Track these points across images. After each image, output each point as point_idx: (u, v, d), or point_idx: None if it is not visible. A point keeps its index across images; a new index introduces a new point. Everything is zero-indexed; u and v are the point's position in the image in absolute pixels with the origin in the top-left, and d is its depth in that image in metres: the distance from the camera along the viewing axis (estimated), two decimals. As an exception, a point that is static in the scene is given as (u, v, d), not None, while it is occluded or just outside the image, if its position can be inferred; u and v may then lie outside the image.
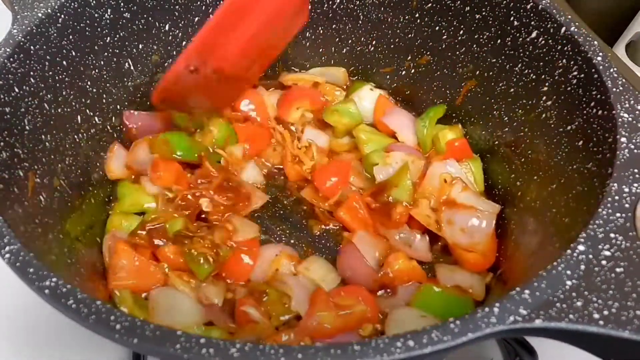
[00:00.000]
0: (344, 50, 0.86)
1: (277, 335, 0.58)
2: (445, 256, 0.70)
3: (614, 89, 0.52)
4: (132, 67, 0.73)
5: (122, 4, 0.67)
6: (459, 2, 0.71)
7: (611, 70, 0.53)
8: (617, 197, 0.45)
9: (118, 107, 0.73)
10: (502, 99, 0.71)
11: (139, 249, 0.65)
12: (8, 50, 0.55)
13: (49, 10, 0.59)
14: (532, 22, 0.62)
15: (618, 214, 0.44)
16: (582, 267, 0.41)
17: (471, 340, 0.37)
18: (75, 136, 0.65)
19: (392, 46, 0.82)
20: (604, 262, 0.41)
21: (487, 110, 0.74)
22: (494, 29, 0.68)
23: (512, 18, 0.65)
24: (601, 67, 0.54)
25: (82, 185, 0.67)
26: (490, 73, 0.71)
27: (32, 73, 0.57)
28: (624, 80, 0.53)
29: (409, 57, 0.82)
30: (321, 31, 0.83)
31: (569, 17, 0.59)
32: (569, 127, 0.58)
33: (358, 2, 0.79)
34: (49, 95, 0.60)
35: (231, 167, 0.75)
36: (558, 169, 0.58)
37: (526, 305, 0.39)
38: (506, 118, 0.71)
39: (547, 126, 0.62)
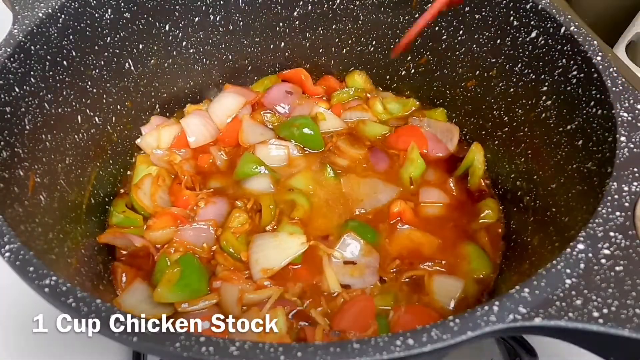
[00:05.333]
0: (344, 50, 0.86)
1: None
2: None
3: (614, 89, 0.52)
4: (132, 67, 0.73)
5: (122, 4, 0.67)
6: (459, 2, 0.71)
7: (611, 69, 0.53)
8: (616, 196, 0.45)
9: (118, 107, 0.73)
10: (502, 99, 0.71)
11: None
12: (8, 50, 0.55)
13: (50, 10, 0.59)
14: (532, 22, 0.62)
15: (618, 213, 0.44)
16: (582, 265, 0.41)
17: (471, 338, 0.37)
18: (75, 136, 0.65)
19: (392, 46, 0.82)
20: (603, 261, 0.41)
21: (487, 110, 0.74)
22: (494, 29, 0.68)
23: (511, 18, 0.65)
24: (601, 66, 0.54)
25: (82, 184, 0.67)
26: (490, 73, 0.71)
27: (32, 73, 0.57)
28: (623, 79, 0.53)
29: (409, 57, 0.82)
30: (321, 31, 0.84)
31: (569, 16, 0.59)
32: (568, 127, 0.58)
33: (358, 2, 0.79)
34: (49, 95, 0.60)
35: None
36: (558, 169, 0.58)
37: (526, 303, 0.39)
38: (506, 118, 0.71)
39: (547, 126, 0.62)
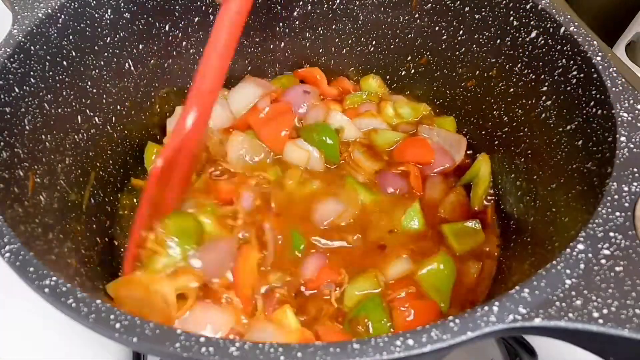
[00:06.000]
0: (344, 50, 0.86)
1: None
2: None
3: (614, 89, 0.52)
4: (132, 67, 0.73)
5: (122, 4, 0.67)
6: (458, 2, 0.71)
7: (610, 70, 0.53)
8: (616, 196, 0.45)
9: (118, 107, 0.73)
10: (502, 99, 0.71)
11: None
12: (8, 50, 0.55)
13: (49, 11, 0.59)
14: (532, 22, 0.62)
15: (617, 213, 0.44)
16: (582, 266, 0.41)
17: (471, 339, 0.37)
18: (75, 136, 0.65)
19: (392, 46, 0.83)
20: (603, 261, 0.41)
21: (487, 110, 0.74)
22: (494, 29, 0.68)
23: (511, 18, 0.65)
24: (600, 66, 0.54)
25: (82, 185, 0.67)
26: (490, 73, 0.71)
27: (32, 73, 0.57)
28: (623, 79, 0.53)
29: (409, 57, 0.82)
30: (321, 31, 0.84)
31: (568, 17, 0.59)
32: (568, 127, 0.58)
33: (358, 2, 0.79)
34: (49, 96, 0.60)
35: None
36: (558, 169, 0.58)
37: (525, 304, 0.39)
38: (506, 118, 0.71)
39: (546, 126, 0.62)
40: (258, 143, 0.77)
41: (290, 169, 0.76)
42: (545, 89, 0.62)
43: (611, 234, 0.43)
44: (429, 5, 0.75)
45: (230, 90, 0.83)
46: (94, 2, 0.64)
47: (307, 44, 0.85)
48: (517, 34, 0.65)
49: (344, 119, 0.80)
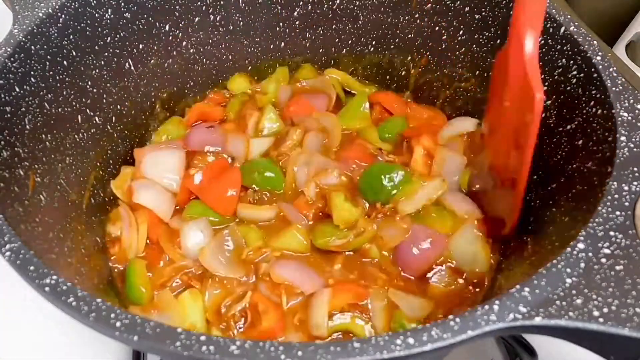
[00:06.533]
0: (344, 50, 0.86)
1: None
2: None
3: (614, 88, 0.52)
4: (132, 67, 0.73)
5: (122, 4, 0.67)
6: (458, 2, 0.71)
7: (610, 69, 0.53)
8: (616, 196, 0.45)
9: (118, 107, 0.73)
10: (502, 99, 0.71)
11: None
12: (9, 49, 0.55)
13: (50, 10, 0.59)
14: (532, 22, 0.62)
15: (618, 213, 0.44)
16: (582, 265, 0.41)
17: (471, 337, 0.37)
18: (76, 136, 0.65)
19: (392, 46, 0.83)
20: (603, 260, 0.41)
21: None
22: (494, 29, 0.68)
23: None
24: (600, 66, 0.54)
25: (82, 184, 0.67)
26: (490, 73, 0.71)
27: (32, 73, 0.57)
28: (623, 79, 0.53)
29: (409, 57, 0.82)
30: (321, 31, 0.84)
31: (568, 16, 0.59)
32: (568, 126, 0.58)
33: (358, 2, 0.79)
34: (49, 95, 0.60)
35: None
36: (558, 168, 0.58)
37: (526, 302, 0.39)
38: (506, 118, 0.71)
39: (547, 125, 0.62)
40: (221, 240, 0.66)
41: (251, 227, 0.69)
42: (545, 88, 0.62)
43: (611, 233, 0.43)
44: (429, 5, 0.75)
45: (141, 166, 0.73)
46: (95, 1, 0.64)
47: (307, 44, 0.85)
48: (517, 34, 0.65)
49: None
